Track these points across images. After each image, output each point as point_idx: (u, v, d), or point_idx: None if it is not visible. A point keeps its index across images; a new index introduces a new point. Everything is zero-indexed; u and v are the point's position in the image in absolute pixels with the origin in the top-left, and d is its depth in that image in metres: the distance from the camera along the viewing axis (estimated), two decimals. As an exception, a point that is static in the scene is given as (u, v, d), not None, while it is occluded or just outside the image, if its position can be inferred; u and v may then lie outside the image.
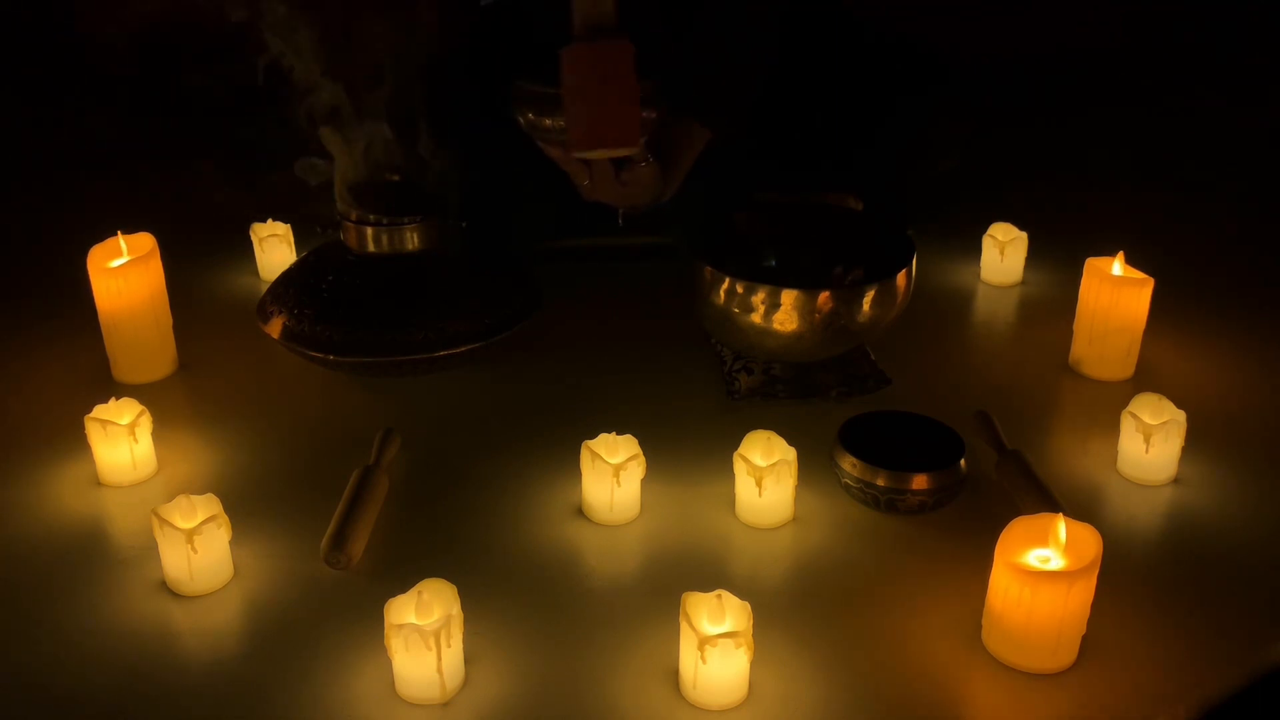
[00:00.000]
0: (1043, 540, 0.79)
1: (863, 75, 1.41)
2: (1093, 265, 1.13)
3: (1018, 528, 0.78)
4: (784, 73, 1.30)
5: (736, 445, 0.92)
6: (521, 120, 1.05)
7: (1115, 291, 1.10)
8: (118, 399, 0.97)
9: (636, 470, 0.91)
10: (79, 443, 0.97)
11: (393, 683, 0.75)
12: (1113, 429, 0.99)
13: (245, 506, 0.91)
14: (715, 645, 0.71)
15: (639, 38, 0.99)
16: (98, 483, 0.97)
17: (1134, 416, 0.96)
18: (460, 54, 1.21)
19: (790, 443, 0.91)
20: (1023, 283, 1.35)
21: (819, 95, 1.40)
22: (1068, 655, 0.77)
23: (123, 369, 1.12)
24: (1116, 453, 0.99)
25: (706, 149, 1.19)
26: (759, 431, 0.92)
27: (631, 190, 1.14)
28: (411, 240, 1.09)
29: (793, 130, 1.39)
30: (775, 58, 1.23)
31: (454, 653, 0.74)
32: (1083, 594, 0.75)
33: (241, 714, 0.74)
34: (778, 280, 1.01)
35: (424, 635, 0.72)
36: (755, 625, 0.73)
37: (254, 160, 1.09)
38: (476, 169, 1.23)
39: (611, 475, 0.90)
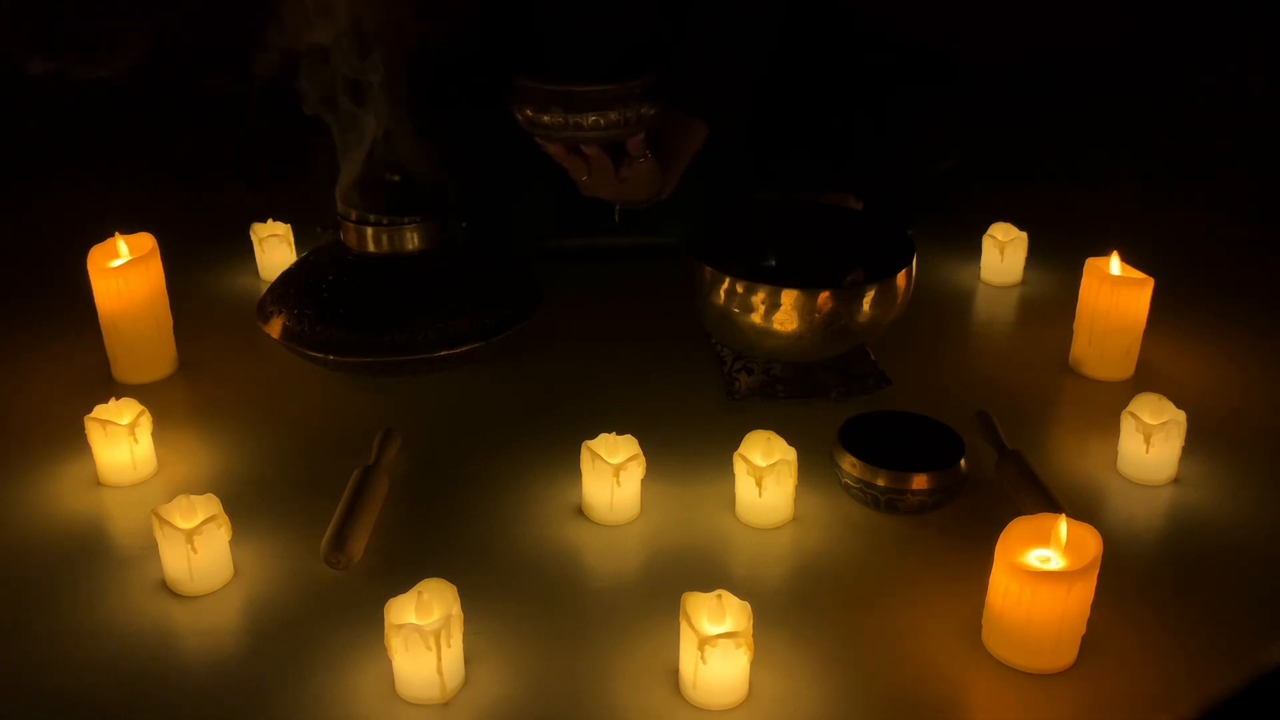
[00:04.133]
0: (1043, 540, 0.79)
1: (862, 74, 1.41)
2: (1093, 265, 1.13)
3: (1018, 528, 0.78)
4: (783, 71, 1.30)
5: (736, 445, 0.92)
6: (519, 117, 1.05)
7: (1115, 291, 1.10)
8: (118, 399, 0.97)
9: (636, 470, 0.91)
10: (79, 443, 0.97)
11: (393, 683, 0.75)
12: (1113, 429, 0.99)
13: (245, 506, 0.91)
14: (715, 645, 0.71)
15: (637, 32, 0.99)
16: (98, 483, 0.97)
17: (1134, 416, 0.96)
18: (462, 49, 1.21)
19: (790, 443, 0.91)
20: (1023, 283, 1.35)
21: (818, 94, 1.40)
22: (1068, 655, 0.77)
23: (123, 369, 1.12)
24: (1116, 453, 0.99)
25: (705, 146, 1.19)
26: (759, 431, 0.92)
27: (629, 186, 1.13)
28: (411, 240, 1.09)
29: (792, 129, 1.39)
30: (773, 52, 1.23)
31: (454, 653, 0.74)
32: (1083, 594, 0.75)
33: (241, 714, 0.74)
34: (778, 280, 1.01)
35: (424, 635, 0.72)
36: (755, 625, 0.73)
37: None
38: (477, 167, 1.23)
39: (611, 475, 0.90)
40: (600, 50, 1.14)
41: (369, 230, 1.09)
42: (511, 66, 1.05)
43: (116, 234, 1.11)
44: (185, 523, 0.83)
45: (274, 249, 1.34)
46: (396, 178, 1.09)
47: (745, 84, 1.20)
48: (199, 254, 1.38)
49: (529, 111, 1.04)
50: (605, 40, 1.19)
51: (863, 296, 1.02)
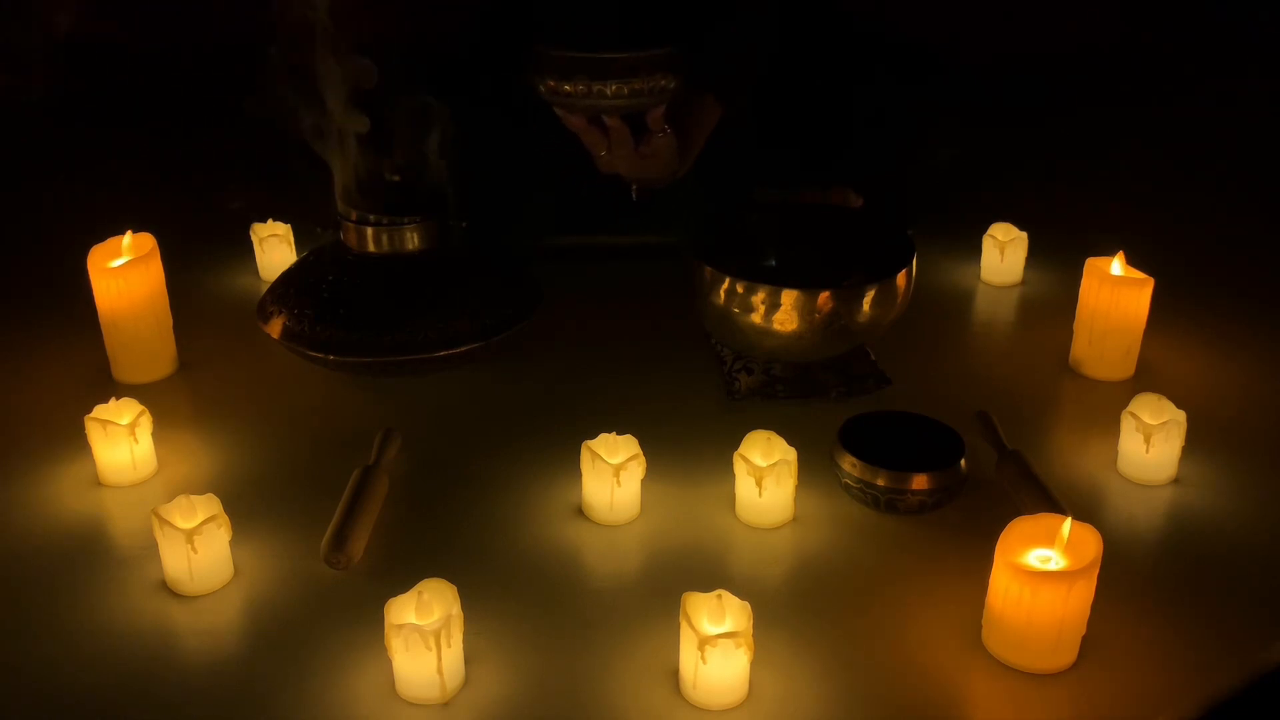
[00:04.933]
0: (1043, 540, 0.79)
1: (861, 69, 1.41)
2: (1093, 265, 1.13)
3: (1018, 528, 0.78)
4: (784, 70, 1.30)
5: (736, 445, 0.92)
6: (542, 88, 1.05)
7: (1115, 291, 1.10)
8: (118, 399, 0.97)
9: (636, 470, 0.91)
10: (79, 443, 0.97)
11: (393, 683, 0.75)
12: (1113, 429, 0.99)
13: (245, 506, 0.91)
14: (715, 645, 0.71)
15: (650, 12, 1.00)
16: (98, 483, 0.97)
17: (1134, 416, 0.96)
18: (462, 43, 1.21)
19: (790, 443, 0.91)
20: (1023, 283, 1.35)
21: (818, 93, 1.40)
22: (1068, 655, 0.77)
23: (123, 369, 1.12)
24: (1116, 453, 0.99)
25: (717, 129, 1.19)
26: (759, 431, 0.92)
27: (648, 163, 1.13)
28: (411, 240, 1.09)
29: (792, 126, 1.39)
30: (776, 43, 1.23)
31: (454, 653, 0.74)
32: (1083, 594, 0.75)
33: (241, 714, 0.74)
34: (778, 280, 1.01)
35: (424, 635, 0.72)
36: (755, 625, 0.73)
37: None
38: (477, 167, 1.23)
39: (611, 475, 0.90)
40: (614, 27, 1.14)
41: (369, 230, 1.09)
42: (531, 39, 1.05)
43: (129, 231, 1.11)
44: (185, 523, 0.83)
45: (274, 249, 1.34)
46: (396, 178, 1.10)
47: (756, 64, 1.20)
48: (199, 254, 1.38)
49: (551, 81, 1.04)
50: (615, 19, 1.19)
51: (863, 296, 1.02)
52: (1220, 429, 1.03)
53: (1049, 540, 0.78)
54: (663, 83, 1.03)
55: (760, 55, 1.22)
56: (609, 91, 1.02)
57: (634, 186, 1.20)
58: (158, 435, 0.98)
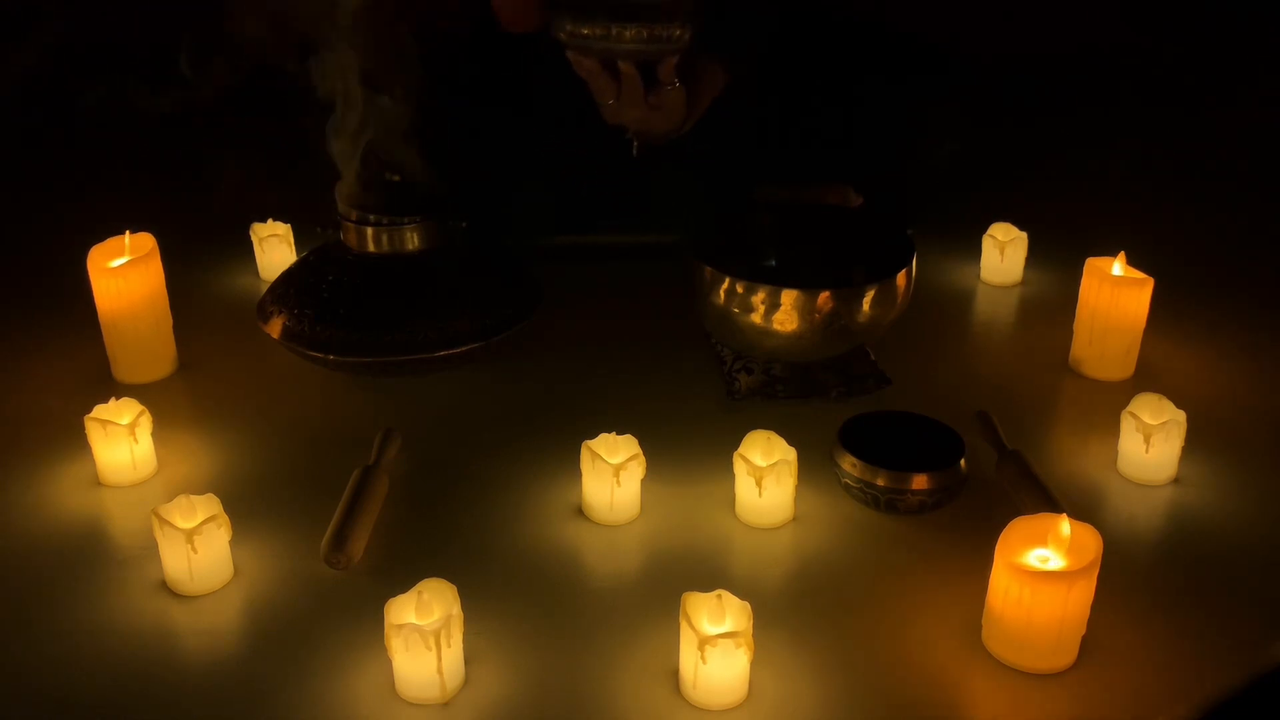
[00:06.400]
0: (1043, 540, 0.79)
1: (861, 67, 1.42)
2: (1093, 265, 1.13)
3: (1018, 528, 0.78)
4: (782, 68, 1.30)
5: (736, 445, 0.92)
6: (560, 34, 1.06)
7: (1115, 291, 1.10)
8: (118, 399, 0.97)
9: (636, 470, 0.91)
10: (79, 443, 0.97)
11: (393, 683, 0.75)
12: (1113, 429, 0.99)
13: (245, 506, 0.91)
14: (715, 645, 0.71)
15: None
16: (98, 483, 0.97)
17: (1134, 416, 0.96)
18: (460, 40, 1.21)
19: (790, 443, 0.91)
20: (1023, 283, 1.34)
21: (817, 91, 1.41)
22: (1068, 655, 0.77)
23: (123, 369, 1.12)
24: (1116, 453, 0.99)
25: (718, 124, 1.19)
26: (759, 431, 0.92)
27: (655, 116, 1.14)
28: (411, 240, 1.09)
29: (792, 124, 1.39)
30: (776, 27, 1.24)
31: (454, 653, 0.74)
32: (1083, 594, 0.75)
33: (241, 714, 0.74)
34: (778, 280, 1.01)
35: (424, 635, 0.72)
36: (755, 625, 0.73)
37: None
38: (476, 166, 1.23)
39: (611, 475, 0.90)
40: None
41: (369, 230, 1.09)
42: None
43: (126, 232, 1.11)
44: (185, 523, 0.83)
45: (274, 249, 1.34)
46: (396, 178, 1.10)
47: (762, 34, 1.21)
48: (199, 254, 1.38)
49: (569, 25, 1.05)
50: None
51: (863, 296, 1.02)
52: (1220, 429, 1.04)
53: (1049, 540, 0.78)
54: (678, 32, 1.05)
55: (761, 37, 1.22)
56: (627, 35, 1.04)
57: (635, 143, 1.21)
58: (158, 435, 0.98)
